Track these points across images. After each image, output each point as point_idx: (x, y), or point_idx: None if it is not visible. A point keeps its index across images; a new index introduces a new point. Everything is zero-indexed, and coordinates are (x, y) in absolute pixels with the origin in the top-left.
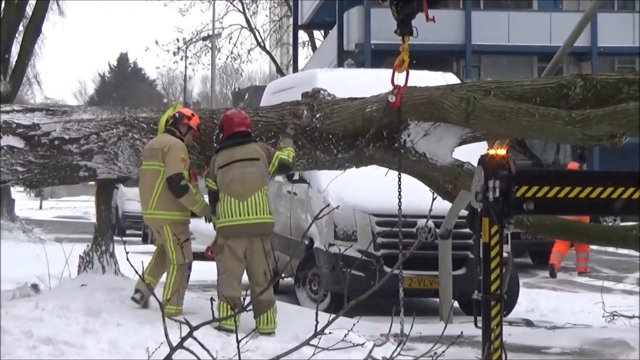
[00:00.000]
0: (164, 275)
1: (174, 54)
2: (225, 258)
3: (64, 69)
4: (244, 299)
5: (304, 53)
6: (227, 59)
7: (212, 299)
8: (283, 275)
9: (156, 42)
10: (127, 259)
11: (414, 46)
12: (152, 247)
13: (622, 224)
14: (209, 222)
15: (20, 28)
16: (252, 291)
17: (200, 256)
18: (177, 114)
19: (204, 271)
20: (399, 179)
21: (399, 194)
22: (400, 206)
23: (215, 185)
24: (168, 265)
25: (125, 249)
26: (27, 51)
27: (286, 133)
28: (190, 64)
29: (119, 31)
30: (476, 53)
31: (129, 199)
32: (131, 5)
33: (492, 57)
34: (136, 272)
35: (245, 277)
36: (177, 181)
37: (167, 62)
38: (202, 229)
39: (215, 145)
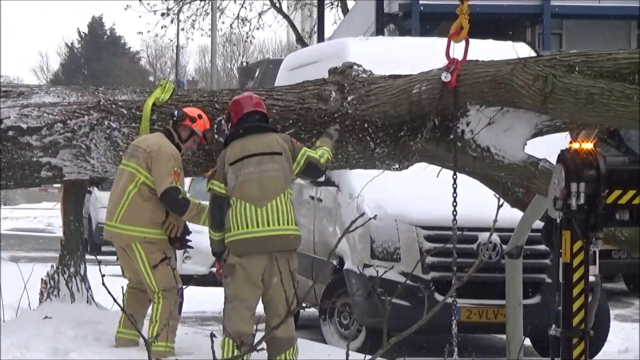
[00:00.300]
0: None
1: (162, 15)
2: (237, 281)
3: (20, 39)
4: (255, 335)
5: (332, 17)
6: (232, 24)
7: (212, 335)
8: (305, 304)
9: (139, 0)
10: (103, 284)
11: (476, 8)
12: None
13: None
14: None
15: None
16: (268, 325)
17: (198, 280)
18: (176, 113)
19: (203, 299)
20: (455, 180)
21: (455, 201)
22: (455, 216)
23: (224, 188)
24: (151, 295)
25: (100, 270)
26: None
27: (327, 132)
28: (183, 29)
29: None
30: (556, 17)
31: (105, 207)
32: None
33: (577, 22)
34: (115, 300)
35: (259, 308)
36: (173, 196)
37: (152, 27)
38: (200, 246)
39: (216, 136)
